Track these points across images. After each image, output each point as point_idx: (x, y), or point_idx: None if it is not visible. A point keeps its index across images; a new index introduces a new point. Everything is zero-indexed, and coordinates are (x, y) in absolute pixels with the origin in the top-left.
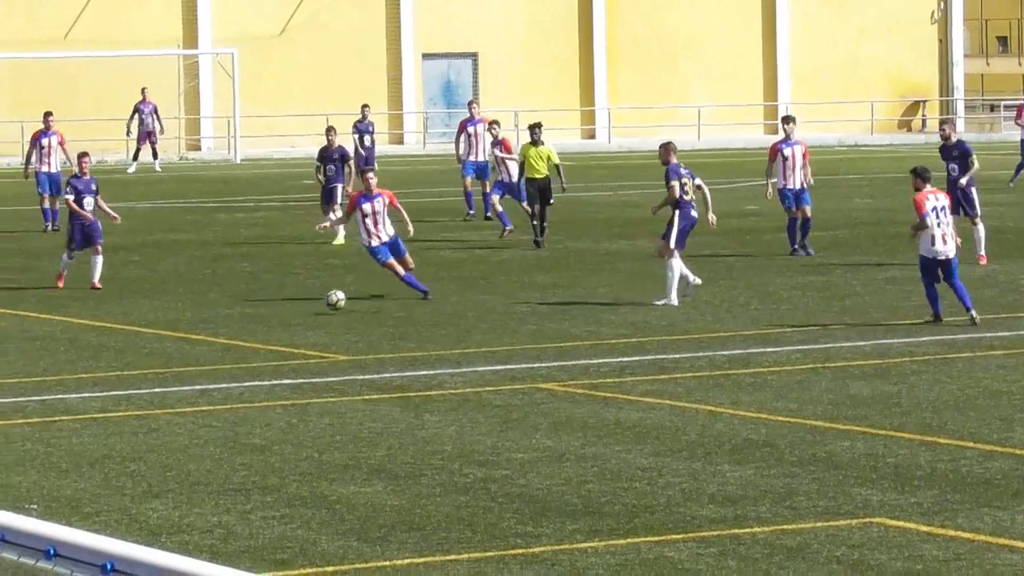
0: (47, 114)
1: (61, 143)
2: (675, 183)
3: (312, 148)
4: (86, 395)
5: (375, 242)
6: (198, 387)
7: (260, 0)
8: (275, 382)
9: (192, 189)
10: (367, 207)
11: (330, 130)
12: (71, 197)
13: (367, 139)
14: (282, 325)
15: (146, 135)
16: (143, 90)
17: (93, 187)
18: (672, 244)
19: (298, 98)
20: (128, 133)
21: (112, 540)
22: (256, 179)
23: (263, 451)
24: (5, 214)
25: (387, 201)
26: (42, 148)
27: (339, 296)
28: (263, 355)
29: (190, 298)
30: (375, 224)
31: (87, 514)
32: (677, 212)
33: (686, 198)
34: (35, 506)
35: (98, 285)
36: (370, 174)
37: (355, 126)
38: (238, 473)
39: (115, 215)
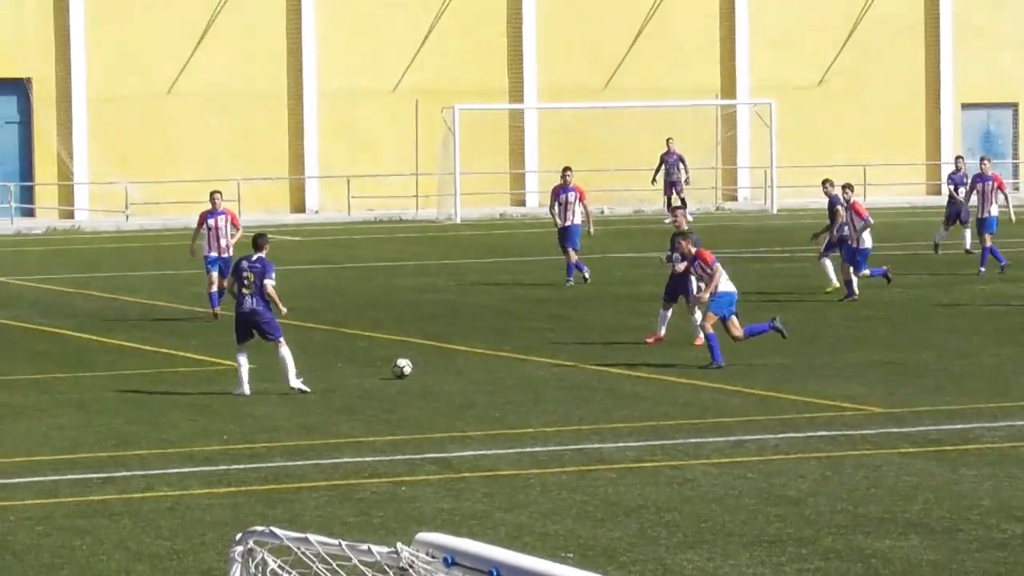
0: (566, 170)
1: (581, 198)
2: None
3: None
4: (622, 444)
5: None
6: (732, 438)
7: (799, 50)
8: (810, 434)
9: (728, 239)
10: None
11: (825, 181)
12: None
13: (960, 191)
14: (817, 376)
15: (670, 185)
16: (668, 140)
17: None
18: None
19: (836, 148)
20: (653, 183)
21: None
22: (791, 229)
23: (797, 503)
24: (535, 264)
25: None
26: (560, 203)
27: (403, 365)
28: (798, 406)
29: (725, 347)
30: None
31: (622, 563)
32: None
33: None
34: (571, 555)
35: (697, 343)
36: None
37: (950, 177)
38: (772, 525)
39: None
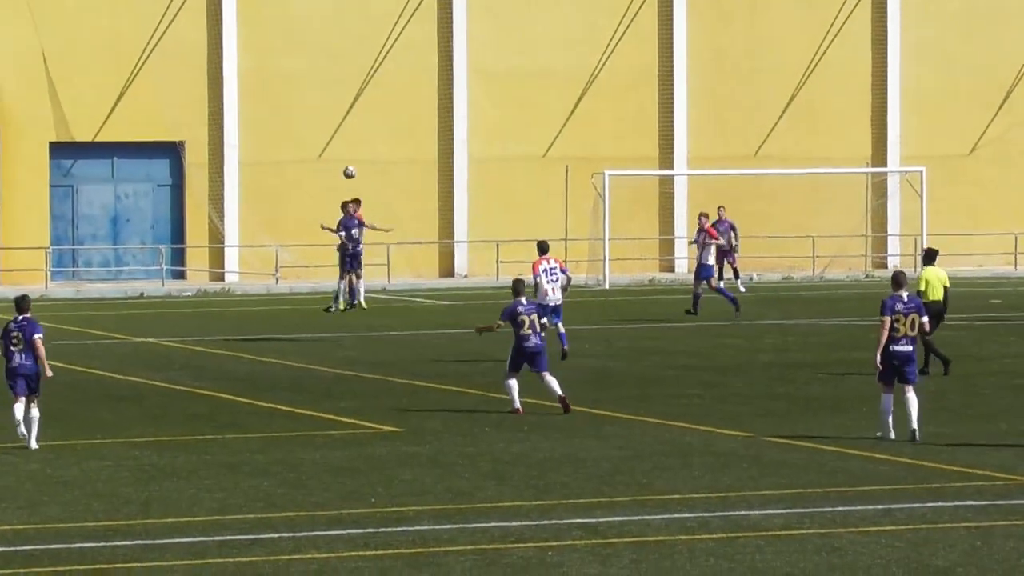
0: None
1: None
2: None
3: (1000, 269)
4: (769, 511)
5: None
6: (881, 506)
7: (950, 119)
8: (959, 503)
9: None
10: None
11: None
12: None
13: None
14: (967, 445)
15: (722, 253)
16: (719, 209)
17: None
18: None
19: (985, 217)
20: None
21: None
22: None
23: (946, 573)
24: (683, 330)
25: None
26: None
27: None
28: (947, 475)
29: (873, 418)
30: None
31: None
32: None
33: None
34: None
35: None
36: None
37: None
38: None
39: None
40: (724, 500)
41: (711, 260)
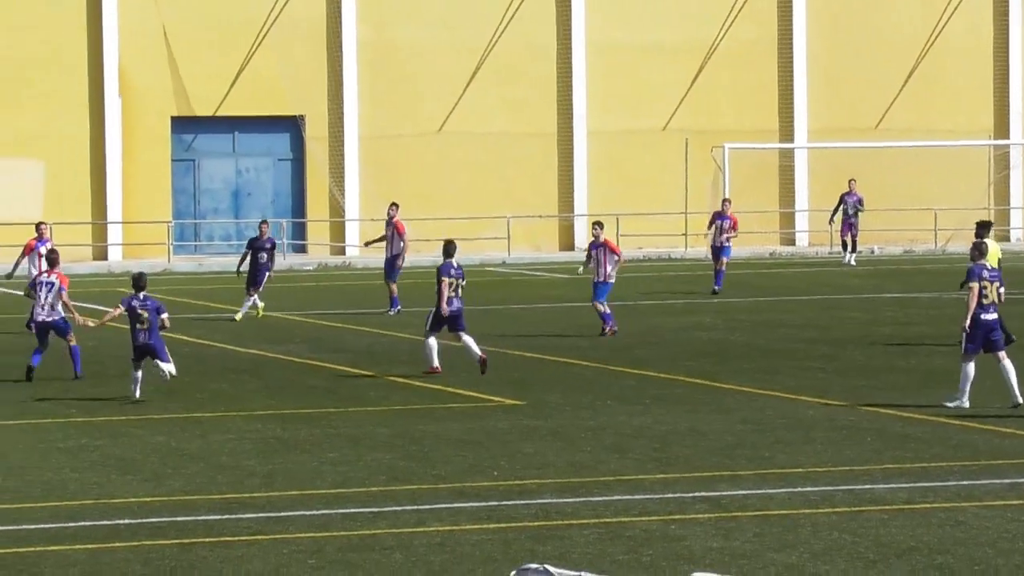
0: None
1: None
2: None
3: None
4: (893, 485)
5: None
6: (1007, 480)
7: None
8: None
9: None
10: None
11: None
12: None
13: None
14: None
15: (849, 226)
16: (850, 182)
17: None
18: None
19: None
20: (831, 223)
21: None
22: None
23: None
24: (804, 303)
25: None
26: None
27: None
28: None
29: (997, 391)
30: None
31: None
32: None
33: None
34: None
35: None
36: None
37: None
38: None
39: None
40: (847, 474)
41: (729, 243)
